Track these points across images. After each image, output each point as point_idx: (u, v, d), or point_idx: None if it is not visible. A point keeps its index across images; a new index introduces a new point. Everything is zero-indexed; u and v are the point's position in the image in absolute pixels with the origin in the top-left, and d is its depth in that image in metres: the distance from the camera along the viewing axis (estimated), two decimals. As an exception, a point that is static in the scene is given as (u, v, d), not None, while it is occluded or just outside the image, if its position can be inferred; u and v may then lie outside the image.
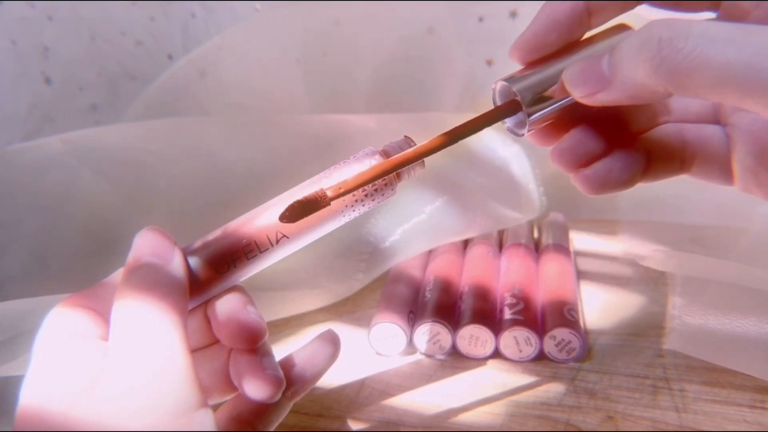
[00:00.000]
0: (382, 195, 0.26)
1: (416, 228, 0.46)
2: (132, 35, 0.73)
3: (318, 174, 0.26)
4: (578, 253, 0.49)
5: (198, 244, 0.26)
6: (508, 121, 0.26)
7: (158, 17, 0.71)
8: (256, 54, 0.61)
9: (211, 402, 0.27)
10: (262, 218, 0.25)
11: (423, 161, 0.27)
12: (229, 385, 0.26)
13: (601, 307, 0.42)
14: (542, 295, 0.40)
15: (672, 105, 0.26)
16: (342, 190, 0.24)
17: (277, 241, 0.25)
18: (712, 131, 0.26)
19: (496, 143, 0.51)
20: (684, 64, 0.19)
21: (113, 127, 0.59)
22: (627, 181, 0.25)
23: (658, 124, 0.26)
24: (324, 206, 0.25)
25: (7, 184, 0.49)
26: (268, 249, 0.25)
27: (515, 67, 0.25)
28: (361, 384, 0.37)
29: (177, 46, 0.72)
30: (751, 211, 0.45)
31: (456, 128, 0.24)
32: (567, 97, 0.24)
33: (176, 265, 0.24)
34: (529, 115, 0.24)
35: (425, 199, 0.47)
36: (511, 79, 0.24)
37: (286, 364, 0.28)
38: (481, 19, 0.61)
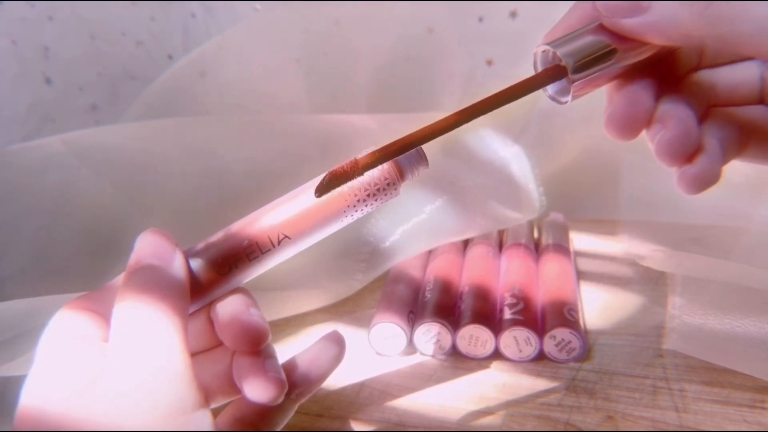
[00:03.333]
0: (385, 195, 0.26)
1: (416, 228, 0.46)
2: (132, 35, 0.73)
3: (319, 175, 0.26)
4: (578, 253, 0.49)
5: (200, 246, 0.25)
6: (550, 89, 0.25)
7: (158, 17, 0.71)
8: (256, 54, 0.61)
9: (215, 404, 0.27)
10: (264, 220, 0.25)
11: (427, 161, 0.27)
12: (233, 388, 0.26)
13: (601, 307, 0.42)
14: (542, 295, 0.40)
15: (718, 89, 0.26)
16: (375, 158, 0.24)
17: (279, 242, 0.25)
18: (762, 112, 0.26)
19: (496, 143, 0.51)
20: (731, 10, 0.19)
21: (113, 127, 0.59)
22: (720, 175, 0.24)
23: (711, 110, 0.25)
24: (357, 176, 0.24)
25: (7, 184, 0.49)
26: (269, 250, 0.25)
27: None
28: (361, 384, 0.37)
29: (177, 46, 0.72)
30: (751, 211, 0.45)
31: (499, 93, 0.23)
32: (612, 62, 0.23)
33: (177, 266, 0.24)
34: (574, 81, 0.23)
35: (425, 199, 0.47)
36: (553, 44, 0.23)
37: (290, 366, 0.28)
38: (481, 19, 0.61)
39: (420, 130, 0.24)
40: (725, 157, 0.25)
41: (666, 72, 0.25)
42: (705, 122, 0.25)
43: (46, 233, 0.49)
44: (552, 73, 0.23)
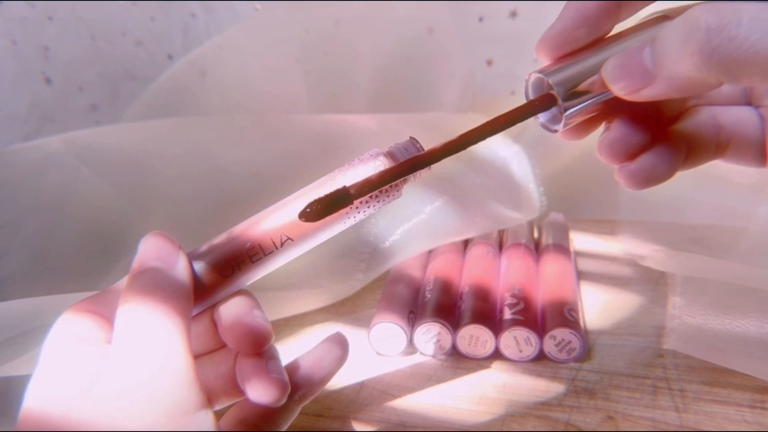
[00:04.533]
0: (388, 197, 0.26)
1: (416, 228, 0.46)
2: (132, 35, 0.73)
3: (323, 177, 0.26)
4: (578, 253, 0.49)
5: (203, 248, 0.26)
6: (542, 116, 0.25)
7: (158, 17, 0.71)
8: (256, 54, 0.61)
9: (219, 406, 0.27)
10: (267, 222, 0.25)
11: (430, 165, 0.27)
12: (236, 389, 0.26)
13: (601, 307, 0.42)
14: (542, 295, 0.40)
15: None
16: (366, 188, 0.24)
17: (282, 244, 0.25)
18: (745, 114, 0.25)
19: (496, 143, 0.51)
20: (739, 53, 0.17)
21: (113, 127, 0.59)
22: (669, 173, 0.24)
23: (689, 108, 0.25)
24: (347, 204, 0.24)
25: (7, 184, 0.49)
26: (272, 252, 0.25)
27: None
28: (361, 384, 0.37)
29: (177, 46, 0.72)
30: (751, 211, 0.45)
31: (489, 122, 0.23)
32: (605, 92, 0.23)
33: (180, 269, 0.24)
34: (566, 109, 0.23)
35: (425, 199, 0.47)
36: (545, 72, 0.23)
37: (293, 368, 0.28)
38: (481, 19, 0.62)
39: (406, 161, 0.24)
40: (694, 158, 0.25)
41: None
42: (678, 121, 0.25)
43: (46, 233, 0.49)
44: (542, 102, 0.23)
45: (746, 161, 0.25)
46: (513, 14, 0.60)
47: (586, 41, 0.23)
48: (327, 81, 0.62)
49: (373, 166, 0.26)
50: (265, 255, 0.25)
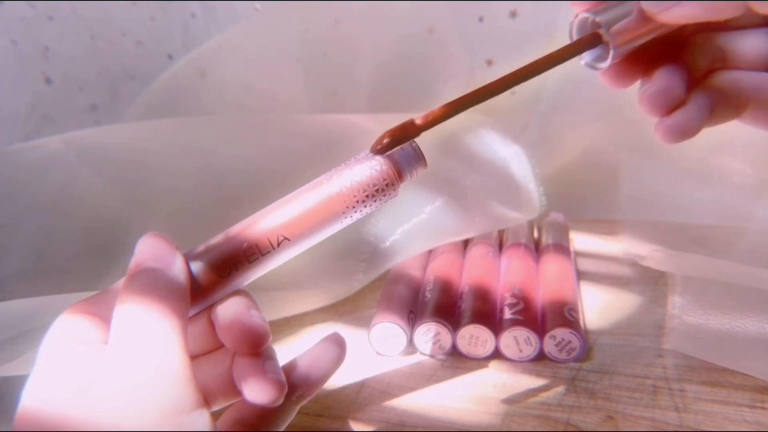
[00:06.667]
0: (384, 196, 0.26)
1: (416, 228, 0.46)
2: (132, 35, 0.73)
3: (319, 176, 0.26)
4: (578, 253, 0.49)
5: (200, 248, 0.26)
6: (586, 56, 0.26)
7: (158, 17, 0.71)
8: (256, 54, 0.61)
9: (216, 407, 0.27)
10: (263, 222, 0.25)
11: (425, 162, 0.27)
12: (234, 390, 0.26)
13: (601, 307, 0.42)
14: (542, 295, 0.40)
15: (730, 52, 0.27)
16: (431, 120, 0.25)
17: (279, 244, 0.25)
18: (765, 78, 0.27)
19: (496, 143, 0.51)
20: None
21: (113, 127, 0.59)
22: (699, 128, 0.26)
23: (716, 69, 0.27)
24: (414, 136, 0.25)
25: (7, 184, 0.49)
26: (269, 252, 0.25)
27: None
28: (361, 384, 0.37)
29: (177, 46, 0.72)
30: (751, 211, 0.46)
31: (540, 59, 0.25)
32: (646, 26, 0.24)
33: (177, 269, 0.24)
34: (613, 47, 0.24)
35: (425, 199, 0.47)
36: (593, 12, 0.25)
37: (291, 368, 0.28)
38: (481, 19, 0.62)
39: (469, 93, 0.25)
40: (716, 116, 0.26)
41: (677, 32, 0.26)
42: (704, 81, 0.27)
43: (45, 233, 0.49)
44: (589, 40, 0.25)
45: (761, 123, 0.27)
46: (513, 14, 0.60)
47: None
48: (327, 81, 0.62)
49: (370, 165, 0.26)
50: (262, 255, 0.25)
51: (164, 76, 0.62)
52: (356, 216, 0.26)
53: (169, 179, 0.50)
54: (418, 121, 0.25)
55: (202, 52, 0.62)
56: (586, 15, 0.25)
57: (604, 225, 0.53)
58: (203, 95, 0.61)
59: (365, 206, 0.26)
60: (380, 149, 0.25)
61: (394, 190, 0.26)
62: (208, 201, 0.50)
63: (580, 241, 0.51)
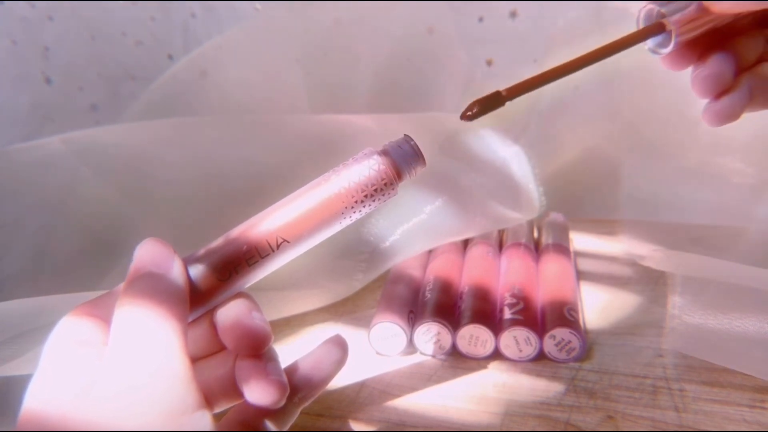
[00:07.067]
0: (383, 195, 0.26)
1: (416, 228, 0.46)
2: (132, 35, 0.73)
3: (317, 177, 0.26)
4: (578, 253, 0.49)
5: (200, 252, 0.26)
6: (650, 43, 0.29)
7: (158, 17, 0.71)
8: (256, 54, 0.61)
9: (219, 409, 0.27)
10: (263, 224, 0.25)
11: (424, 160, 0.27)
12: (236, 392, 0.26)
13: (601, 307, 0.42)
14: (542, 295, 0.40)
15: None
16: (518, 90, 0.26)
17: (278, 246, 0.25)
18: None
19: (496, 143, 0.51)
20: None
21: (113, 127, 0.59)
22: (740, 113, 0.28)
23: (762, 61, 0.29)
24: (501, 104, 0.26)
25: (8, 184, 0.49)
26: (269, 254, 0.25)
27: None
28: (361, 384, 0.37)
29: (177, 46, 0.72)
30: (751, 211, 0.46)
31: (609, 45, 0.27)
32: (706, 19, 0.27)
33: (176, 273, 0.24)
34: (675, 35, 0.27)
35: (425, 199, 0.47)
36: (659, 3, 0.27)
37: (293, 370, 0.28)
38: (481, 19, 0.62)
39: (546, 72, 0.26)
40: (756, 103, 0.29)
41: (731, 24, 0.29)
42: (750, 71, 0.29)
43: (46, 233, 0.49)
44: (655, 28, 0.28)
45: None
46: (513, 14, 0.60)
47: None
48: (327, 81, 0.62)
49: (367, 165, 0.26)
50: (262, 258, 0.25)
51: (164, 76, 0.62)
52: (356, 216, 0.26)
53: (169, 179, 0.50)
54: (504, 93, 0.26)
55: (202, 52, 0.62)
56: (652, 5, 0.27)
57: (604, 225, 0.53)
58: (203, 95, 0.61)
59: (364, 206, 0.26)
60: (470, 116, 0.26)
61: (393, 189, 0.26)
62: (208, 200, 0.50)
63: (579, 241, 0.51)
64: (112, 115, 0.75)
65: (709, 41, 0.28)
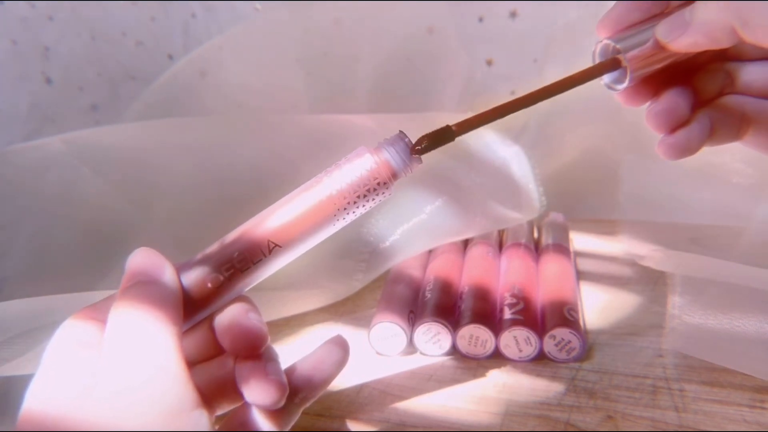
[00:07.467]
0: (377, 195, 0.26)
1: (416, 228, 0.46)
2: (132, 35, 0.73)
3: (310, 180, 0.26)
4: (578, 253, 0.49)
5: (196, 258, 0.26)
6: (606, 78, 0.28)
7: (158, 17, 0.71)
8: (257, 54, 0.61)
9: (219, 411, 0.27)
10: (255, 230, 0.25)
11: (421, 159, 0.27)
12: (236, 394, 0.26)
13: (601, 307, 0.42)
14: (542, 295, 0.40)
15: (737, 79, 0.29)
16: (467, 126, 0.26)
17: (270, 251, 0.25)
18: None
19: (496, 143, 0.51)
20: (747, 3, 0.21)
21: (113, 127, 0.59)
22: (699, 147, 0.28)
23: (723, 95, 0.29)
24: (450, 140, 0.26)
25: (8, 184, 0.49)
26: (261, 260, 0.25)
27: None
28: (361, 384, 0.37)
29: (177, 46, 0.72)
30: (751, 211, 0.45)
31: (563, 80, 0.27)
32: (662, 55, 0.26)
33: (168, 280, 0.25)
34: (631, 71, 0.27)
35: (425, 199, 0.47)
36: (614, 39, 0.27)
37: (293, 370, 0.28)
38: (481, 19, 0.62)
39: (499, 106, 0.27)
40: (717, 137, 0.28)
41: (690, 59, 0.28)
42: (710, 104, 0.28)
43: (46, 233, 0.49)
44: (610, 64, 0.27)
45: (762, 147, 0.29)
46: (513, 14, 0.60)
47: (640, 20, 0.27)
48: (327, 81, 0.62)
49: (360, 165, 0.26)
50: (254, 264, 0.25)
51: (164, 76, 0.62)
52: (350, 218, 0.26)
53: (169, 179, 0.50)
54: (455, 128, 0.26)
55: (202, 52, 0.62)
56: (608, 41, 0.27)
57: (604, 225, 0.53)
58: (203, 95, 0.61)
59: (358, 207, 0.26)
60: (419, 150, 0.26)
61: (387, 189, 0.26)
62: (208, 201, 0.50)
63: (579, 241, 0.51)
64: (112, 115, 0.75)
65: (668, 76, 0.28)
